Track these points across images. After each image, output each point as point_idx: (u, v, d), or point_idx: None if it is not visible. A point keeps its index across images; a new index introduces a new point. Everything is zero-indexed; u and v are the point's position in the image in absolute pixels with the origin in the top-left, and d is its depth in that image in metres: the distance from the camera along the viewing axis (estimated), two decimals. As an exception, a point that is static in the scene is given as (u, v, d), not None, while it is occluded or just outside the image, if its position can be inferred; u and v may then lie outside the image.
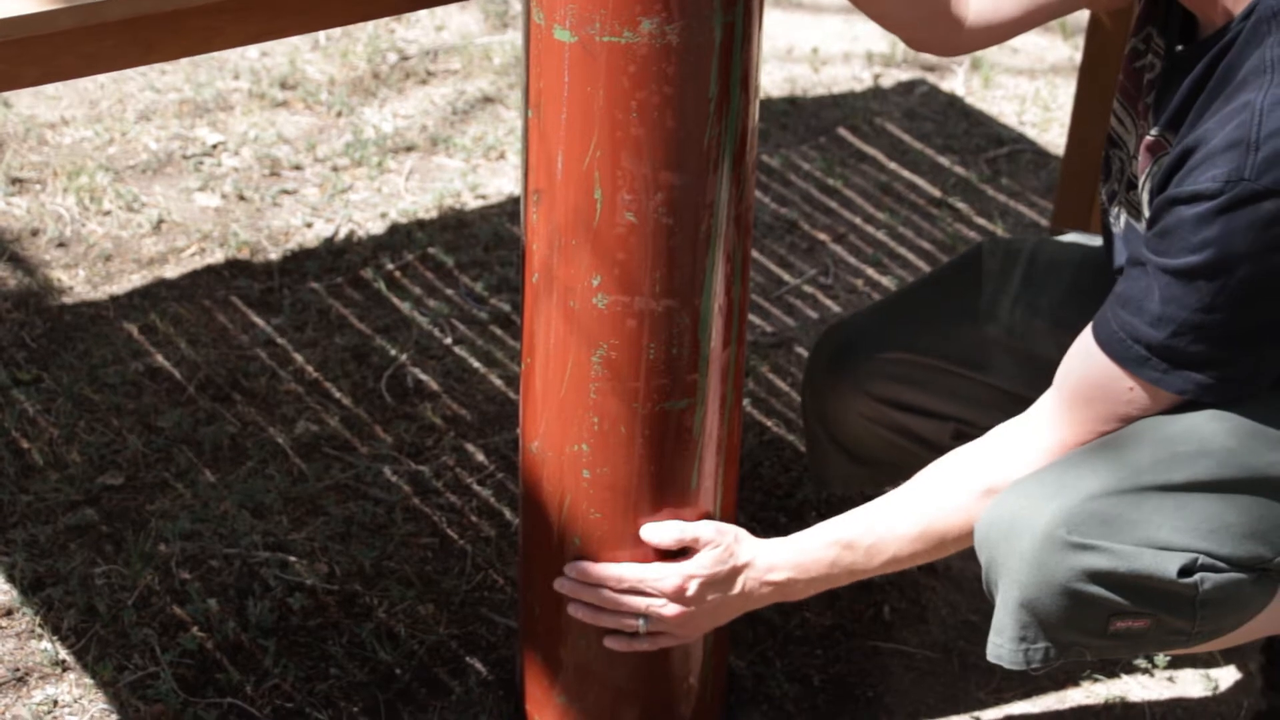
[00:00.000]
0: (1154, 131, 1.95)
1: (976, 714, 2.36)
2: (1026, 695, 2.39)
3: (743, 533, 2.11)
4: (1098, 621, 1.92)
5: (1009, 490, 1.94)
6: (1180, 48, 1.94)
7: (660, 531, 2.07)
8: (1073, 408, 1.95)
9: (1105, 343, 1.90)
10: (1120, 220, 2.07)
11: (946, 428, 2.31)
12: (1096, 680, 2.41)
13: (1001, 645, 1.96)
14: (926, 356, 2.29)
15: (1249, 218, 1.78)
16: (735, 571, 2.09)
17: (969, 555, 2.59)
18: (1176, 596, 1.89)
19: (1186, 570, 1.88)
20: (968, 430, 2.27)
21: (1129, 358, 1.89)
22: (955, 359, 2.28)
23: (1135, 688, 2.40)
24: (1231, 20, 1.85)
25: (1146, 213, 1.97)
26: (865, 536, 2.06)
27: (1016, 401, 2.14)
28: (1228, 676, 2.42)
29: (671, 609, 2.08)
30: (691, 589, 2.08)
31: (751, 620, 2.45)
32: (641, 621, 2.09)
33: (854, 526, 2.07)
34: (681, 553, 2.09)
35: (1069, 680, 2.41)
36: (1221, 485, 1.89)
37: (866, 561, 2.07)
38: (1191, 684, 2.41)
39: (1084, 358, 1.94)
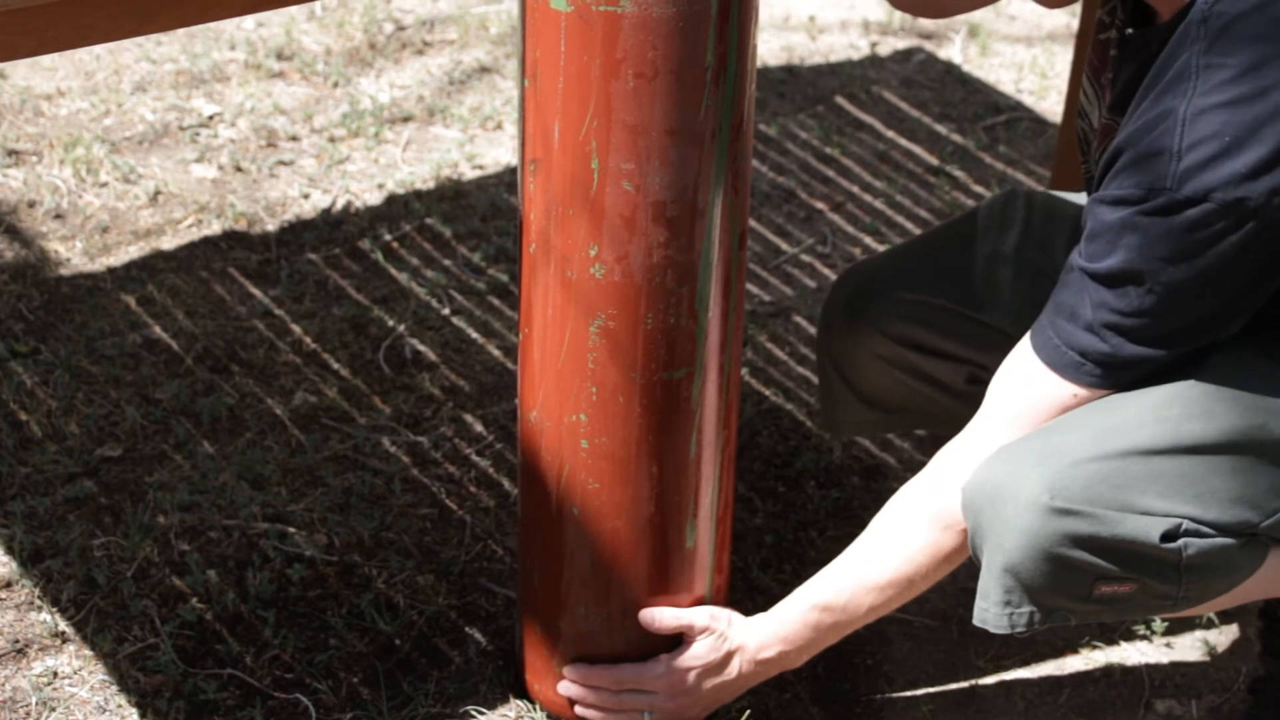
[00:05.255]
0: (1105, 115, 1.96)
1: (975, 681, 2.37)
2: (1025, 663, 2.39)
3: (735, 615, 2.16)
4: (1082, 586, 1.93)
5: (994, 457, 1.94)
6: (1130, 31, 1.93)
7: (658, 618, 2.13)
8: (1014, 422, 1.97)
9: (1041, 349, 1.93)
10: None
11: (961, 371, 2.31)
12: (1095, 647, 2.41)
13: (987, 609, 1.98)
14: (942, 298, 2.29)
15: (1170, 225, 1.79)
16: (729, 656, 2.15)
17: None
18: (1160, 562, 1.90)
19: (1170, 535, 1.89)
20: (981, 375, 2.27)
21: (1066, 364, 1.91)
22: (968, 302, 2.29)
23: (1134, 654, 2.41)
24: (1174, 14, 1.83)
25: None
26: (839, 595, 2.10)
27: None
28: (1226, 642, 2.43)
29: (673, 703, 2.15)
30: (690, 680, 2.14)
31: (750, 591, 2.45)
32: (646, 716, 2.16)
33: (826, 588, 2.11)
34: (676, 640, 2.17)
35: (1067, 647, 2.41)
36: (1207, 449, 1.89)
37: (849, 618, 2.11)
38: (1190, 650, 2.41)
39: (1023, 368, 1.96)
